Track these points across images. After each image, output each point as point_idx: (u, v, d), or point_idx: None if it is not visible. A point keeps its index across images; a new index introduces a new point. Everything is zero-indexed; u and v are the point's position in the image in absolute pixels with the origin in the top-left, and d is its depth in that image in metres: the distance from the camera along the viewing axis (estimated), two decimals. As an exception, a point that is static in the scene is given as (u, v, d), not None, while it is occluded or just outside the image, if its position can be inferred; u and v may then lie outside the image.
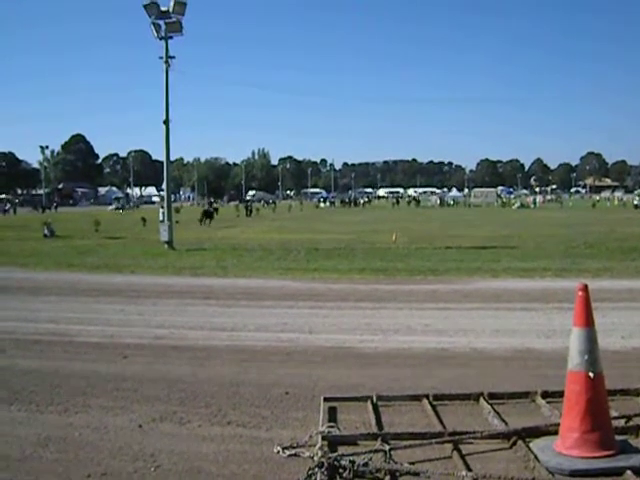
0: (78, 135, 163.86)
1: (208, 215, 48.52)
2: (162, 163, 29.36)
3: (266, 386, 6.87)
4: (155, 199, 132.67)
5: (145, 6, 26.63)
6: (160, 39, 27.33)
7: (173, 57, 27.56)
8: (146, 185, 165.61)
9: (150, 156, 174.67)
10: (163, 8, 26.75)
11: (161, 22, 27.11)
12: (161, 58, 27.42)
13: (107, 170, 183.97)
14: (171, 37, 27.50)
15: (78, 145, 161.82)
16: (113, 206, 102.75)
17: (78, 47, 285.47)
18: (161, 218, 28.10)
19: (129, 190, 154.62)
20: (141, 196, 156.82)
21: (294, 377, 7.24)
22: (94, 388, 6.89)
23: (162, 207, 30.87)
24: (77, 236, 33.68)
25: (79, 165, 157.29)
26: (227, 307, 12.04)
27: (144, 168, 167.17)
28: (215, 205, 70.58)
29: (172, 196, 35.45)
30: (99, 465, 4.93)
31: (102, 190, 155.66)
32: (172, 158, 33.72)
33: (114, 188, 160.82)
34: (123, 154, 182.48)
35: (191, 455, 5.09)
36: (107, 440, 5.42)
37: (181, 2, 26.80)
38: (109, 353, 8.51)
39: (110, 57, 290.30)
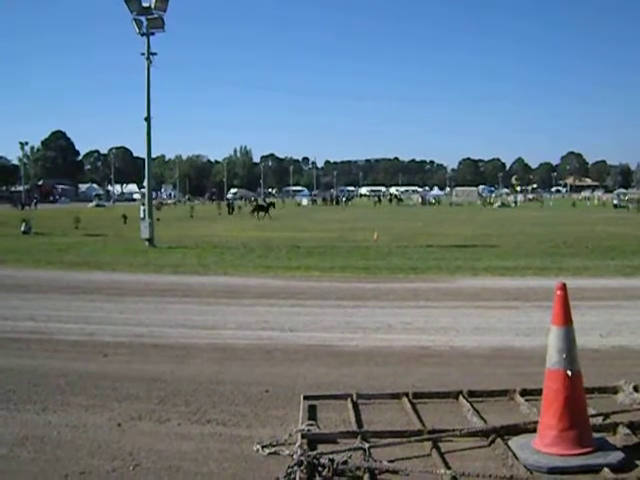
0: (58, 132, 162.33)
1: (262, 208, 51.76)
2: (143, 160, 29.25)
3: (246, 384, 6.86)
4: (136, 196, 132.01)
5: (127, 2, 26.42)
6: (142, 35, 27.13)
7: (155, 53, 27.39)
8: (127, 182, 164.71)
9: (131, 153, 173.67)
10: (145, 4, 26.53)
11: (142, 18, 26.92)
12: (143, 54, 27.25)
13: (88, 167, 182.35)
14: (153, 33, 27.31)
15: (58, 142, 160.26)
16: (94, 203, 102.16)
17: (59, 43, 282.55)
18: (142, 215, 27.92)
19: (110, 187, 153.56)
20: (122, 193, 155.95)
21: (274, 375, 7.24)
22: (73, 386, 6.84)
23: (143, 204, 30.70)
24: (57, 233, 33.40)
25: (59, 162, 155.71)
26: (208, 305, 12.01)
27: (125, 165, 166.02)
28: (270, 200, 71.04)
29: (153, 193, 35.26)
30: (77, 464, 4.89)
31: (83, 187, 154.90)
32: (153, 155, 33.65)
33: (95, 185, 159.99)
34: (104, 151, 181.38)
35: (170, 454, 5.07)
36: (86, 439, 5.38)
37: (163, -2, 26.65)
38: (88, 351, 8.46)
39: (91, 53, 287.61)
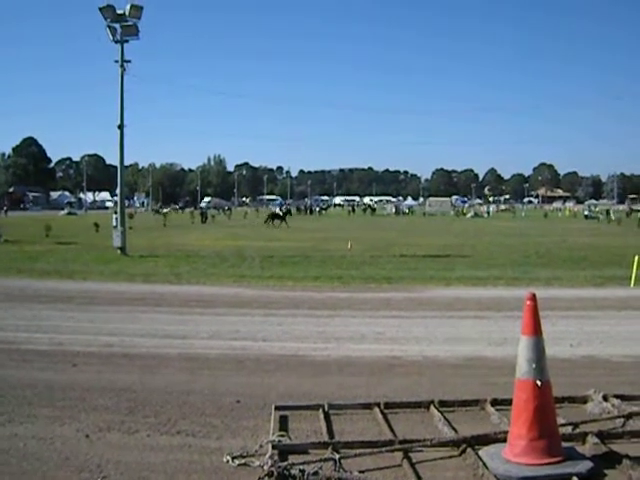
0: (29, 138, 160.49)
1: (278, 217, 52.86)
2: (116, 168, 28.96)
3: (217, 395, 6.81)
4: (109, 204, 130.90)
5: (101, 9, 26.29)
6: (116, 42, 27.01)
7: (129, 61, 27.27)
8: (100, 190, 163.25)
9: (104, 160, 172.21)
10: (119, 11, 26.44)
11: (117, 25, 26.81)
12: (116, 62, 27.09)
13: (60, 174, 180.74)
14: (127, 41, 27.19)
15: (30, 148, 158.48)
16: (65, 211, 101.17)
17: (31, 47, 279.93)
18: (114, 224, 27.67)
19: (82, 195, 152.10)
20: (94, 201, 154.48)
21: (246, 385, 7.19)
22: (41, 397, 6.73)
23: (115, 213, 30.42)
24: (27, 241, 32.93)
25: (30, 169, 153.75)
26: (180, 314, 11.91)
27: (98, 173, 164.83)
28: (287, 207, 70.63)
29: (126, 201, 34.99)
30: (44, 477, 4.81)
31: (54, 194, 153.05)
32: (126, 163, 33.38)
33: (67, 193, 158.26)
34: (76, 158, 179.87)
35: (138, 465, 5.00)
36: (53, 451, 5.29)
37: (137, 6, 26.55)
38: (58, 361, 8.34)
39: (63, 59, 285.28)
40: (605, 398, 6.37)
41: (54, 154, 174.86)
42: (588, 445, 5.24)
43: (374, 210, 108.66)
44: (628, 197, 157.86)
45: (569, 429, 5.53)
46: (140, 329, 10.46)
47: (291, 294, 14.58)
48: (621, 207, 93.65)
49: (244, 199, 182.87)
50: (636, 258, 16.48)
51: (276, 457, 4.94)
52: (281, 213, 56.41)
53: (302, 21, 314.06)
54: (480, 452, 5.06)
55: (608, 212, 76.79)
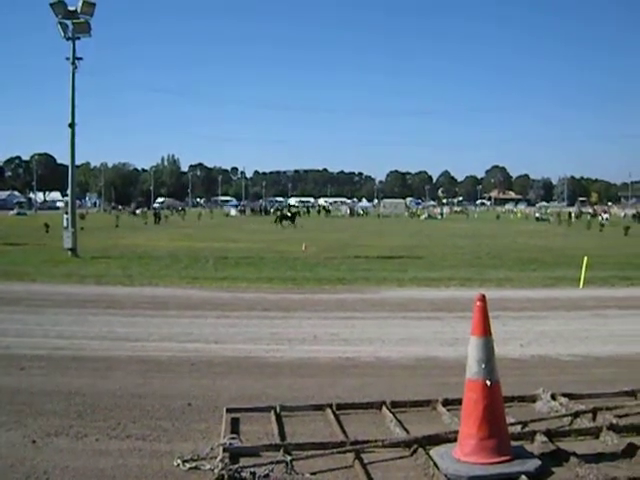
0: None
1: (287, 218, 53.86)
2: (67, 167, 28.44)
3: (169, 397, 6.73)
4: (59, 204, 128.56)
5: (51, 5, 25.75)
6: (67, 39, 26.48)
7: (80, 58, 26.77)
8: (50, 190, 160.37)
9: (55, 160, 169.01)
10: (71, 8, 25.95)
11: (68, 22, 26.31)
12: (68, 59, 26.60)
13: (8, 173, 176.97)
14: (79, 38, 26.69)
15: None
16: (15, 211, 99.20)
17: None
18: (65, 224, 27.17)
19: (32, 195, 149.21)
20: (45, 201, 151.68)
21: (198, 388, 7.12)
22: (-14, 402, 6.57)
23: (66, 213, 29.89)
24: (-26, 242, 32.20)
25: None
26: (132, 317, 11.75)
27: (48, 172, 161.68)
28: (294, 209, 70.37)
29: (77, 202, 34.43)
30: (-13, 483, 4.70)
31: (3, 194, 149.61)
32: (78, 162, 32.81)
33: (16, 192, 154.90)
34: (26, 157, 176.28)
35: (87, 471, 4.91)
36: (-2, 457, 5.17)
37: (89, 2, 26.06)
38: (5, 365, 8.14)
39: (12, 56, 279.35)
40: (553, 397, 6.48)
41: (2, 153, 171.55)
42: (537, 443, 5.32)
43: (328, 211, 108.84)
44: (578, 200, 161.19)
45: (518, 428, 5.61)
46: (91, 332, 10.29)
47: (245, 296, 14.51)
48: (571, 209, 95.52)
49: (198, 200, 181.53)
50: (585, 259, 16.82)
51: (227, 460, 4.90)
52: (289, 214, 58.18)
53: (257, 25, 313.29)
54: (431, 452, 5.09)
55: (559, 214, 78.19)
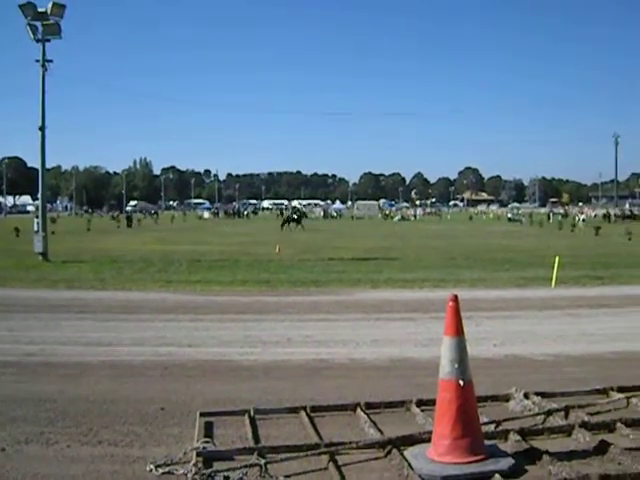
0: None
1: (293, 220, 54.73)
2: (38, 170, 28.12)
3: (141, 402, 6.67)
4: (30, 208, 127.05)
5: (21, 6, 25.43)
6: (37, 41, 26.20)
7: (51, 61, 26.46)
8: (20, 194, 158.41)
9: (25, 163, 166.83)
10: (40, 9, 25.66)
11: (38, 24, 26.01)
12: (37, 61, 26.29)
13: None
14: (48, 40, 26.41)
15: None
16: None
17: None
18: (36, 228, 26.84)
19: (1, 198, 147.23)
20: (15, 205, 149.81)
21: (171, 392, 7.06)
22: (-46, 409, 6.45)
23: (37, 217, 29.54)
24: (-57, 247, 31.70)
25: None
26: (104, 321, 11.64)
27: (18, 175, 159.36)
28: (299, 212, 69.92)
29: (48, 205, 34.04)
30: (-45, 493, 4.61)
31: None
32: (49, 166, 32.45)
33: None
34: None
35: (58, 478, 4.83)
36: (-34, 465, 5.07)
37: (59, 4, 25.80)
38: (-27, 372, 8.03)
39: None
40: (526, 396, 6.52)
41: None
42: (510, 442, 5.34)
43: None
44: (550, 200, 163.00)
45: (492, 427, 5.64)
46: (62, 337, 10.16)
47: (218, 299, 14.44)
48: (542, 210, 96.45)
49: (171, 203, 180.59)
50: (557, 259, 16.99)
51: (200, 464, 4.86)
52: (296, 217, 58.53)
53: (235, 30, 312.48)
54: (405, 453, 5.09)
55: (531, 215, 78.81)
